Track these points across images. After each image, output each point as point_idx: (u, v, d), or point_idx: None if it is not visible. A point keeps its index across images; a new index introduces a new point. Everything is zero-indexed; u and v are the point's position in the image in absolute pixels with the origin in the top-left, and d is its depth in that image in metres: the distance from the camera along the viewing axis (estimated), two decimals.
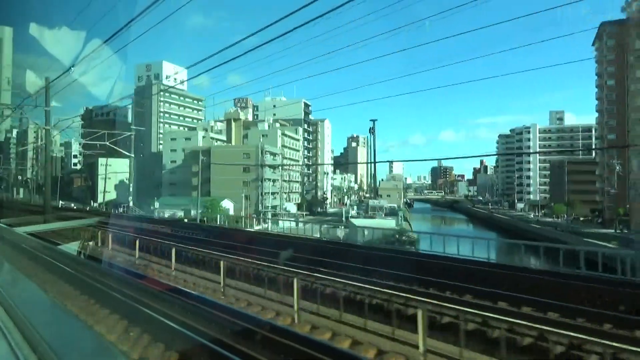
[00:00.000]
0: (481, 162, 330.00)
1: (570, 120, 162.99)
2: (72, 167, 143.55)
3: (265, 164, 77.60)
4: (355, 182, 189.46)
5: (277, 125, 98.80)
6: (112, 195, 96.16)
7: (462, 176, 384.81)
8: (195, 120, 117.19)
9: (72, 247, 21.26)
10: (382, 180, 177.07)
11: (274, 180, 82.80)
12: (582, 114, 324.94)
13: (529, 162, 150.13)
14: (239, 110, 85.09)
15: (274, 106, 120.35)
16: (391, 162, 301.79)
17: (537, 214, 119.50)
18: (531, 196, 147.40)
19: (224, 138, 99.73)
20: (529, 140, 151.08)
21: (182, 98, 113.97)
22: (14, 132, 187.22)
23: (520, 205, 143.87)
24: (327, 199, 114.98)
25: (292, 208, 72.51)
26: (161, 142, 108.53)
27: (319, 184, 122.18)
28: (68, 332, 3.04)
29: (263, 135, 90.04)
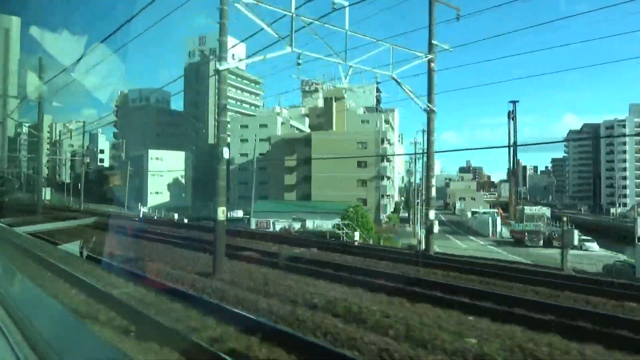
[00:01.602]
0: (518, 162, 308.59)
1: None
2: (99, 163, 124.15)
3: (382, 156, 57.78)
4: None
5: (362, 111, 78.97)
6: (164, 197, 76.35)
7: (489, 177, 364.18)
8: (252, 107, 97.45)
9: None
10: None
11: (387, 178, 62.97)
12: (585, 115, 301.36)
13: (624, 161, 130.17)
14: (345, 89, 65.49)
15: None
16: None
17: None
18: (628, 199, 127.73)
19: (301, 127, 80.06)
20: (624, 135, 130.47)
21: (238, 79, 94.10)
22: (24, 127, 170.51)
23: (614, 210, 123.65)
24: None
25: None
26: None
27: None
28: (69, 332, 2.92)
29: (363, 121, 70.14)
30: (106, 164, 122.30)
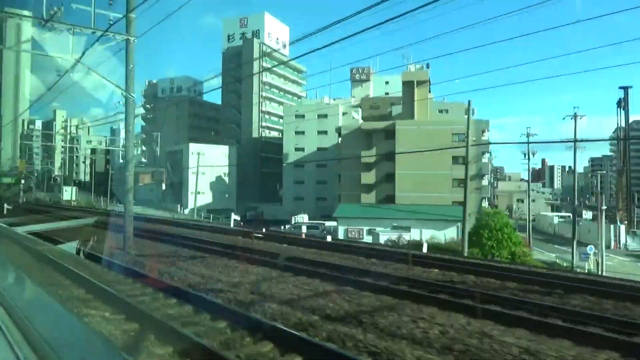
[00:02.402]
0: (543, 161, 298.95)
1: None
2: (121, 160, 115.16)
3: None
4: None
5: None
6: (206, 197, 66.82)
7: (509, 177, 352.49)
8: (295, 98, 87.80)
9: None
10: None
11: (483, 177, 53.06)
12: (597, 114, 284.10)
13: None
14: (425, 69, 55.55)
15: (387, 82, 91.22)
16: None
17: None
18: None
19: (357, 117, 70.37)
20: None
21: (281, 66, 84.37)
22: (37, 123, 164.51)
23: None
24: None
25: None
26: (264, 123, 79.09)
27: None
28: (69, 332, 2.94)
29: (440, 111, 60.33)
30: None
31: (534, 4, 16.16)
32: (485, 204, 50.69)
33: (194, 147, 65.03)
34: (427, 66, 53.64)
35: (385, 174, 50.59)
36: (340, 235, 39.41)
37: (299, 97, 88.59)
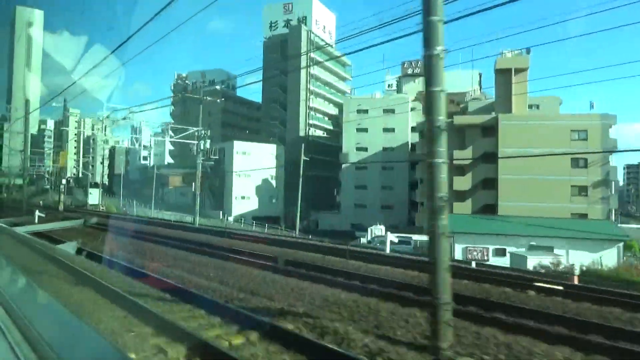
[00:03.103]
0: None
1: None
2: (142, 161, 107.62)
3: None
4: None
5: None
6: (252, 202, 58.52)
7: None
8: (340, 94, 79.50)
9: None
10: None
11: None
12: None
13: None
14: (524, 54, 46.72)
15: None
16: None
17: None
18: None
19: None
20: None
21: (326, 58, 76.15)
22: (49, 123, 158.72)
23: None
24: None
25: None
26: (310, 121, 70.66)
27: None
28: (68, 332, 2.90)
29: (529, 106, 51.87)
30: (151, 162, 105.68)
31: None
32: (613, 217, 42.06)
33: (238, 146, 56.77)
34: (527, 51, 45.11)
35: (483, 179, 42.15)
36: (458, 255, 31.03)
37: (344, 92, 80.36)
